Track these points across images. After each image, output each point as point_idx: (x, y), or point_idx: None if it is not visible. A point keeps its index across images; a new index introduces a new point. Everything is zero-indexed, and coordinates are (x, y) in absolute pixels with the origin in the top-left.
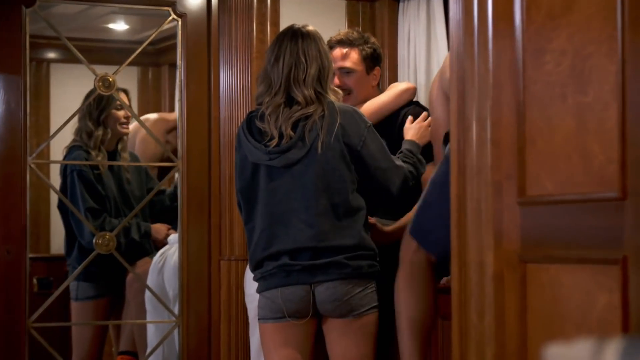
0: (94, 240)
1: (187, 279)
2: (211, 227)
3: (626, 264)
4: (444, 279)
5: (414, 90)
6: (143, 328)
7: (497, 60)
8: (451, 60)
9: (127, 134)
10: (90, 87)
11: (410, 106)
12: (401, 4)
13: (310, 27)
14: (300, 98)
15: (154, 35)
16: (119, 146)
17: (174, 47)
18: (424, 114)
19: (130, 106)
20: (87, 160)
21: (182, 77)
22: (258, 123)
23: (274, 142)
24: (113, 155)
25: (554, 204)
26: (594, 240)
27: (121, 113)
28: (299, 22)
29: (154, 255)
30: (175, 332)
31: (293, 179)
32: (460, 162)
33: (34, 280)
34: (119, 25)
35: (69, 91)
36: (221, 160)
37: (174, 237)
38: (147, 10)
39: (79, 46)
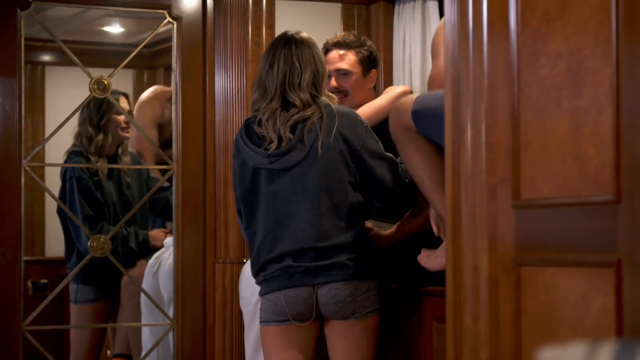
0: (88, 244)
1: (182, 281)
2: (206, 230)
3: (620, 267)
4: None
5: (409, 94)
6: (138, 331)
7: (492, 63)
8: (446, 63)
9: (127, 138)
10: (86, 89)
11: None
12: (396, 7)
13: (304, 34)
14: (297, 102)
15: (149, 38)
16: (119, 150)
17: (169, 50)
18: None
19: (131, 110)
20: (87, 169)
21: (178, 80)
22: (256, 128)
23: (274, 145)
24: (113, 159)
25: (548, 207)
26: (588, 244)
27: (122, 118)
28: (294, 25)
29: (150, 258)
30: (170, 335)
31: (294, 181)
32: (454, 166)
33: (29, 283)
34: (114, 28)
35: (64, 94)
36: (216, 162)
37: (169, 240)
38: (143, 13)
39: (74, 49)
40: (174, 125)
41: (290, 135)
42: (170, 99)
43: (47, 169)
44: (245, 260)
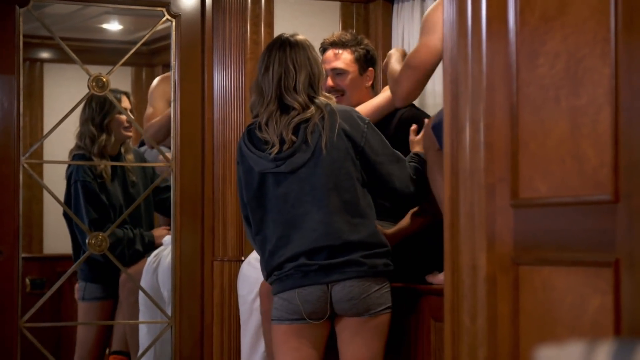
0: (86, 241)
1: (180, 280)
2: (204, 228)
3: (618, 266)
4: (429, 277)
5: None
6: (136, 328)
7: (491, 62)
8: (445, 63)
9: (130, 137)
10: (84, 87)
11: (405, 108)
12: (395, 6)
13: (300, 36)
14: (296, 105)
15: (147, 35)
16: (122, 149)
17: (167, 48)
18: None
19: (132, 109)
20: (90, 169)
21: (176, 78)
22: (258, 133)
23: (275, 149)
24: (117, 159)
25: (547, 206)
26: (586, 243)
27: (124, 117)
28: (293, 24)
29: (149, 255)
30: (168, 332)
31: (301, 182)
32: (453, 165)
33: (27, 281)
34: (113, 26)
35: (62, 91)
36: (214, 161)
37: (168, 238)
38: (141, 10)
39: (73, 46)
40: (172, 123)
41: (294, 138)
42: None
43: (45, 166)
44: (243, 258)
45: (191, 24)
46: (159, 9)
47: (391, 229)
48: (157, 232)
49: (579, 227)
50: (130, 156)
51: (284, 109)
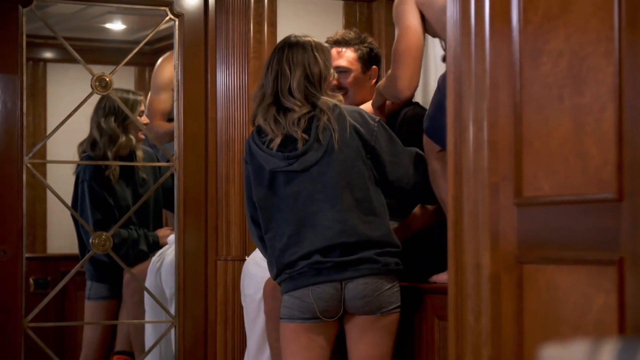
0: (90, 240)
1: (183, 279)
2: (208, 227)
3: (622, 265)
4: (434, 277)
5: None
6: (140, 328)
7: (494, 60)
8: (448, 61)
9: (142, 139)
10: (87, 87)
11: (410, 106)
12: None
13: (305, 37)
14: (289, 104)
15: (150, 35)
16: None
17: (170, 47)
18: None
19: (143, 111)
20: (99, 170)
21: (179, 77)
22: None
23: (275, 144)
24: (129, 158)
25: (550, 205)
26: (590, 242)
27: (142, 119)
28: (296, 23)
29: (154, 255)
30: (172, 332)
31: (313, 180)
32: (456, 164)
33: (30, 280)
34: (116, 25)
35: (65, 91)
36: (218, 160)
37: (172, 238)
38: (144, 10)
39: (76, 46)
40: (175, 122)
41: (305, 136)
42: None
43: (48, 165)
44: (246, 257)
45: (194, 23)
46: (162, 8)
47: (396, 227)
48: (161, 232)
49: (583, 225)
50: (140, 152)
51: (282, 108)
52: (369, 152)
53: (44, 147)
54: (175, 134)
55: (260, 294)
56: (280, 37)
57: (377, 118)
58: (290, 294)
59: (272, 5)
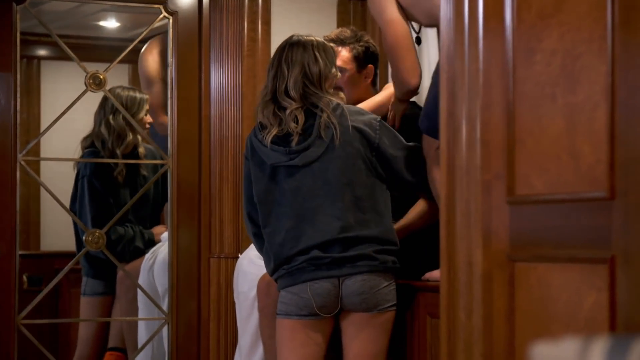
0: (83, 238)
1: (176, 276)
2: (201, 225)
3: (614, 263)
4: (427, 274)
5: None
6: (134, 325)
7: (487, 59)
8: (442, 60)
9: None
10: (81, 84)
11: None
12: None
13: (308, 37)
14: (285, 103)
15: (145, 33)
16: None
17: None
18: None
19: (148, 109)
20: (101, 166)
21: (173, 75)
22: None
23: (271, 135)
24: (131, 156)
25: (543, 203)
26: (582, 240)
27: (148, 118)
28: (290, 21)
29: (148, 252)
30: (165, 329)
31: (314, 176)
32: (449, 162)
33: (24, 278)
34: (110, 23)
35: (59, 88)
36: (211, 158)
37: (165, 235)
38: (138, 7)
39: (70, 43)
40: (169, 120)
41: (300, 130)
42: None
43: (42, 163)
44: (239, 255)
45: (188, 21)
46: (156, 6)
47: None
48: (157, 229)
49: (575, 223)
50: (141, 149)
51: (280, 106)
52: (373, 149)
53: (38, 145)
54: (169, 132)
55: (254, 291)
56: (274, 36)
57: (379, 117)
58: (287, 290)
59: (266, 3)
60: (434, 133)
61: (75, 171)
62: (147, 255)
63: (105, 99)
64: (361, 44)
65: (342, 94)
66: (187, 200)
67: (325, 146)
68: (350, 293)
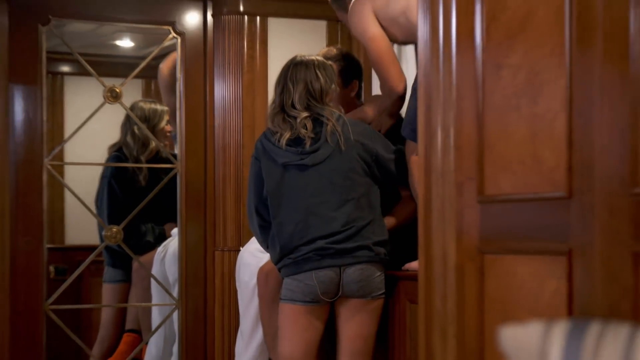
0: (102, 233)
1: (185, 267)
2: (207, 222)
3: (572, 255)
4: (406, 265)
5: None
6: (148, 310)
7: (460, 74)
8: (419, 74)
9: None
10: (100, 97)
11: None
12: None
13: (310, 57)
14: (293, 114)
15: (156, 51)
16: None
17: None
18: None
19: (169, 120)
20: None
21: (181, 89)
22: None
23: (284, 138)
24: (154, 161)
25: (509, 202)
26: (544, 235)
27: (168, 127)
28: (285, 41)
29: (159, 245)
30: (175, 313)
31: (321, 175)
32: (426, 166)
33: (51, 268)
34: (125, 42)
35: (80, 101)
36: (215, 162)
37: (175, 230)
38: (150, 29)
39: (90, 60)
40: (178, 129)
41: (312, 135)
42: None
43: (66, 166)
44: (241, 248)
45: (194, 41)
46: (165, 27)
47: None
48: (167, 226)
49: (538, 220)
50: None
51: (289, 115)
52: (372, 155)
53: (62, 151)
54: (178, 140)
55: (254, 280)
56: (270, 54)
57: (372, 128)
58: (293, 277)
59: (263, 25)
60: (415, 139)
61: (101, 173)
62: (159, 249)
63: (131, 111)
64: (346, 60)
65: (340, 107)
66: (194, 200)
67: (331, 150)
68: (350, 281)
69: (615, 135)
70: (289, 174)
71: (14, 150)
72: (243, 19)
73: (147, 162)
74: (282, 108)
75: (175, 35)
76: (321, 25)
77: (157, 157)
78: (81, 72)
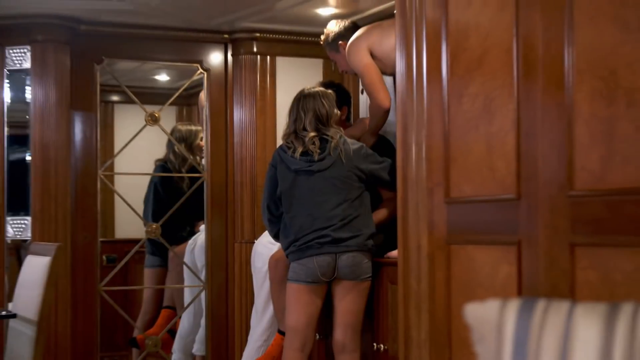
0: (145, 229)
1: (211, 256)
2: (227, 220)
3: (520, 246)
4: (388, 253)
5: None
6: (181, 290)
7: (430, 101)
8: (397, 101)
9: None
10: (142, 120)
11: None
12: None
13: (315, 89)
14: (307, 138)
15: (187, 84)
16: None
17: (199, 91)
18: None
19: (202, 138)
20: (167, 178)
21: (207, 113)
22: (289, 149)
23: (298, 152)
24: (193, 171)
25: (470, 203)
26: (498, 229)
27: (202, 143)
28: (290, 75)
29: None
30: (203, 294)
31: (324, 180)
32: (403, 174)
33: (103, 257)
34: (162, 77)
35: (127, 123)
36: (234, 172)
37: (202, 227)
38: (182, 66)
39: (134, 91)
40: (205, 146)
41: (318, 150)
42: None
43: (116, 176)
44: (255, 241)
45: (218, 75)
46: (194, 65)
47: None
48: (199, 223)
49: (493, 217)
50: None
51: (300, 137)
52: (365, 167)
53: (112, 164)
54: (205, 154)
55: (265, 267)
56: (278, 86)
57: (365, 145)
58: (298, 262)
59: (272, 62)
60: None
61: (150, 180)
62: (190, 241)
63: (171, 133)
64: (338, 91)
65: (341, 128)
66: (218, 202)
67: (333, 160)
68: (343, 265)
69: (554, 149)
70: (300, 178)
71: (74, 163)
72: (256, 58)
73: (187, 172)
74: (295, 131)
75: (202, 71)
76: (318, 63)
77: (194, 168)
78: (127, 101)
